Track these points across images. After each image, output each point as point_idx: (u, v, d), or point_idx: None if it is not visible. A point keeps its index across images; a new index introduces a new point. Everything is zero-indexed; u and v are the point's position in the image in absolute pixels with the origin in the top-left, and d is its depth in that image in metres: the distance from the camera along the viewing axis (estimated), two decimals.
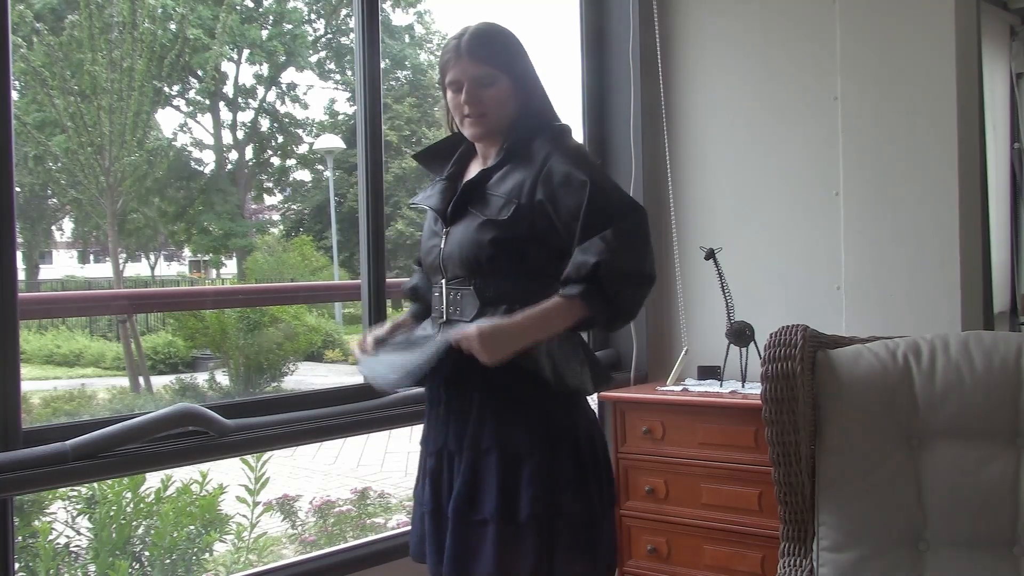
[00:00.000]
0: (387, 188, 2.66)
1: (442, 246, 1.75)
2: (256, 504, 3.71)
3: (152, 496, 3.51)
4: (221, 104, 14.44)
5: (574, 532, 1.65)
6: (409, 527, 1.91)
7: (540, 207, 1.65)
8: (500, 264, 1.68)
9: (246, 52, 14.12)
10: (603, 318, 1.65)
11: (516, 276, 1.69)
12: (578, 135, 3.15)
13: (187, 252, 15.55)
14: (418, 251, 1.88)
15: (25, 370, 2.12)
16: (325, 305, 11.69)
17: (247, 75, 14.59)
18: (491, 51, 1.73)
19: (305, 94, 15.23)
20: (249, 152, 15.05)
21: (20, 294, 1.85)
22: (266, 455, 3.64)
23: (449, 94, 1.76)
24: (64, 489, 3.39)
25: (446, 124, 1.88)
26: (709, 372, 2.80)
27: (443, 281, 1.75)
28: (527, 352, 1.62)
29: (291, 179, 15.81)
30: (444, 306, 1.74)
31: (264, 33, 14.32)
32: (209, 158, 14.34)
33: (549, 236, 1.66)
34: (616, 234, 1.59)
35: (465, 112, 1.73)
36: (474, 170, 1.81)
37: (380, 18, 2.55)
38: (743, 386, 2.70)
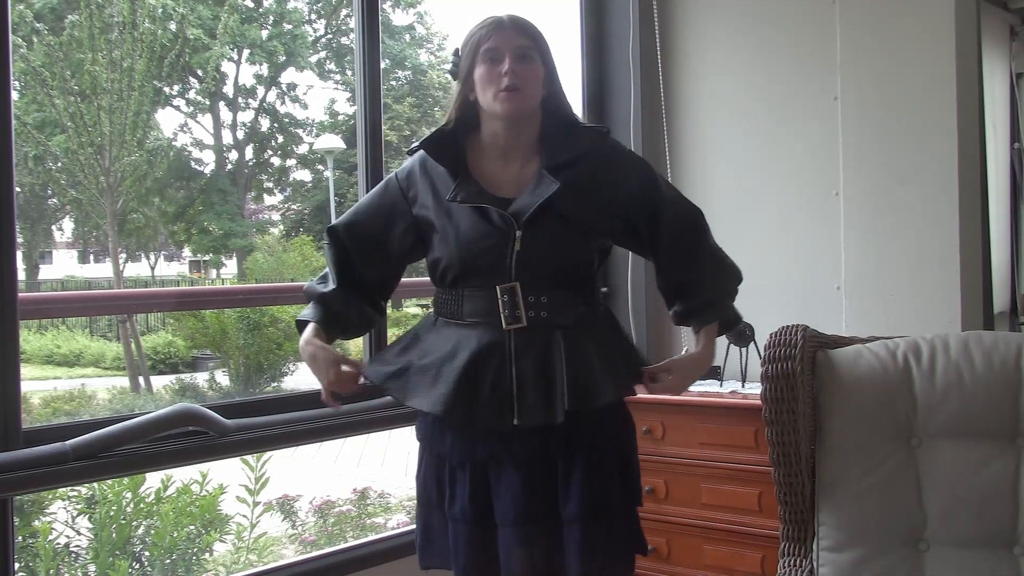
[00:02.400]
0: None
1: (517, 248, 1.64)
2: (256, 504, 3.71)
3: (152, 496, 3.51)
4: (221, 104, 14.44)
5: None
6: (410, 529, 1.92)
7: (625, 221, 1.75)
8: (591, 270, 1.74)
9: (246, 52, 14.12)
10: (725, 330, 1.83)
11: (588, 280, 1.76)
12: None
13: (187, 252, 15.55)
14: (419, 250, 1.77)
15: (25, 370, 2.12)
16: None
17: (247, 75, 14.59)
18: (533, 30, 1.73)
19: (305, 94, 15.22)
20: (249, 152, 15.05)
21: (20, 294, 1.85)
22: (266, 455, 3.64)
23: (482, 67, 1.68)
24: (64, 489, 3.39)
25: (453, 112, 1.76)
26: (709, 372, 2.80)
27: (508, 285, 1.65)
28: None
29: (291, 179, 15.81)
30: (514, 310, 1.64)
31: (264, 33, 14.32)
32: (209, 158, 14.34)
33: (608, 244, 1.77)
34: (714, 250, 1.83)
35: (504, 84, 1.66)
36: (486, 170, 1.73)
37: (380, 18, 2.55)
38: (743, 386, 2.70)
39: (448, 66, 1.79)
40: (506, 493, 1.65)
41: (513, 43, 1.68)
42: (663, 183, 1.80)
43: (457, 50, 1.75)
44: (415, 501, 1.86)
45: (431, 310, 1.81)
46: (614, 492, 1.68)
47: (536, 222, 1.65)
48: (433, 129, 1.79)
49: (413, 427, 1.89)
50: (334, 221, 1.83)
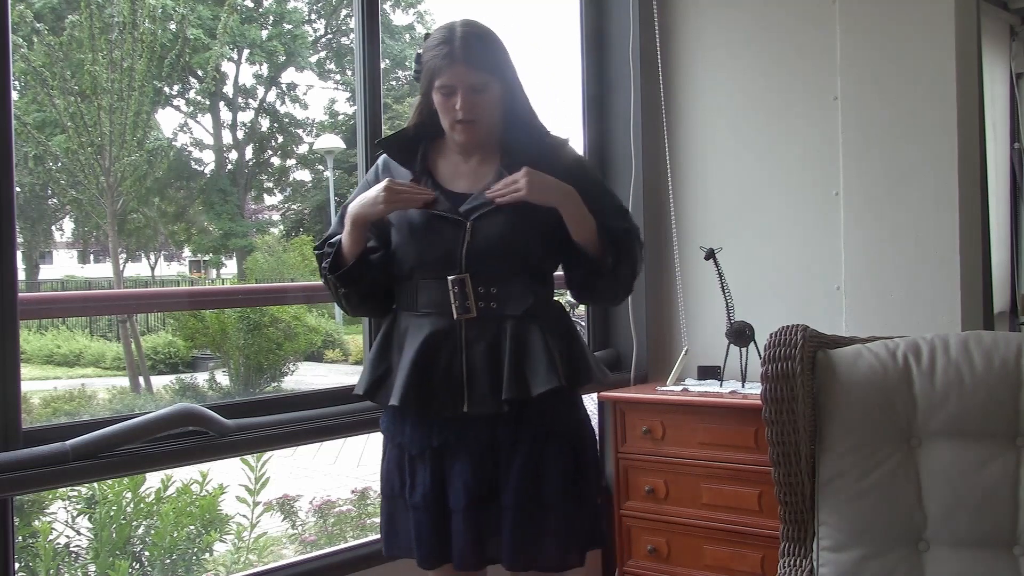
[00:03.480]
0: None
1: (467, 239, 1.72)
2: (256, 504, 3.71)
3: (152, 496, 3.51)
4: (221, 104, 14.44)
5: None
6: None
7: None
8: (542, 263, 1.79)
9: (246, 52, 14.12)
10: (604, 267, 1.76)
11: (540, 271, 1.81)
12: (578, 136, 3.16)
13: (187, 252, 15.56)
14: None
15: (25, 370, 2.12)
16: (325, 305, 11.69)
17: (247, 75, 14.60)
18: (485, 57, 1.74)
19: (305, 94, 15.24)
20: (249, 152, 15.06)
21: (20, 294, 1.85)
22: (266, 455, 3.65)
23: (438, 97, 1.75)
24: (64, 489, 3.39)
25: (414, 117, 1.84)
26: (709, 372, 2.80)
27: (458, 276, 1.72)
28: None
29: (291, 179, 15.82)
30: (464, 301, 1.72)
31: (264, 33, 14.33)
32: (209, 158, 14.35)
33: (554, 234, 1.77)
34: (634, 231, 1.83)
35: (458, 118, 1.73)
36: (445, 166, 1.82)
37: (380, 18, 2.55)
38: (743, 386, 2.71)
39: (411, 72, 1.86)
40: (457, 480, 1.72)
41: (466, 81, 1.71)
42: (612, 199, 1.85)
43: (419, 55, 1.79)
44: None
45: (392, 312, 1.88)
46: (552, 484, 1.72)
47: (487, 216, 1.72)
48: (396, 129, 1.87)
49: None
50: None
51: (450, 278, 1.71)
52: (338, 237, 1.81)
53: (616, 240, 1.77)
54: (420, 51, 1.79)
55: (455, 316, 1.71)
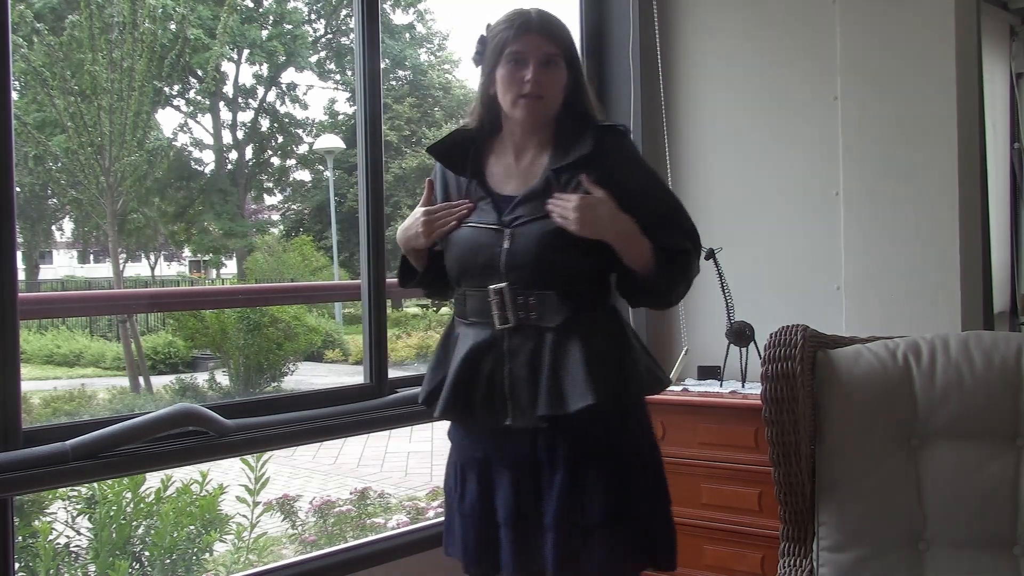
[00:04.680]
0: (387, 188, 2.66)
1: (506, 247, 1.65)
2: (256, 504, 3.71)
3: (152, 496, 3.51)
4: (221, 104, 14.46)
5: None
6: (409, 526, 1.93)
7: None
8: (585, 274, 1.68)
9: (246, 52, 14.14)
10: (657, 288, 1.69)
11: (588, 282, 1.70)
12: None
13: (187, 252, 15.57)
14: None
15: (25, 370, 2.12)
16: (325, 305, 11.70)
17: (247, 75, 14.62)
18: (561, 32, 1.68)
19: (305, 94, 15.27)
20: (249, 152, 15.07)
21: (20, 294, 1.85)
22: (266, 455, 3.65)
23: (505, 68, 1.66)
24: (64, 489, 3.39)
25: (478, 107, 1.75)
26: (709, 372, 2.80)
27: (498, 286, 1.65)
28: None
29: (291, 179, 15.83)
30: (503, 310, 1.64)
31: (264, 33, 14.34)
32: (209, 158, 14.37)
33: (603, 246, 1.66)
34: (693, 240, 1.73)
35: (525, 90, 1.64)
36: (497, 166, 1.74)
37: (380, 18, 2.55)
38: (743, 386, 2.71)
39: (467, 55, 1.79)
40: (500, 492, 1.68)
41: (539, 50, 1.64)
42: (669, 206, 1.73)
43: (483, 37, 1.71)
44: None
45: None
46: (595, 505, 1.62)
47: (527, 224, 1.65)
48: (453, 129, 1.82)
49: (412, 428, 1.92)
50: None
51: (491, 287, 1.65)
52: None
53: (673, 260, 1.68)
54: (484, 34, 1.71)
55: (496, 326, 1.65)
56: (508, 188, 1.71)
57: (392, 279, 2.10)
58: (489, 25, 1.72)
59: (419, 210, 1.74)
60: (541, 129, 1.71)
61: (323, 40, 15.51)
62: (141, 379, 8.81)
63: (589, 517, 1.62)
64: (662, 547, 1.70)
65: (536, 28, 1.64)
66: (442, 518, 1.86)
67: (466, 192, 1.74)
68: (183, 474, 3.61)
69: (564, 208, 1.60)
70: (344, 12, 15.05)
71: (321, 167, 15.12)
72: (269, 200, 15.88)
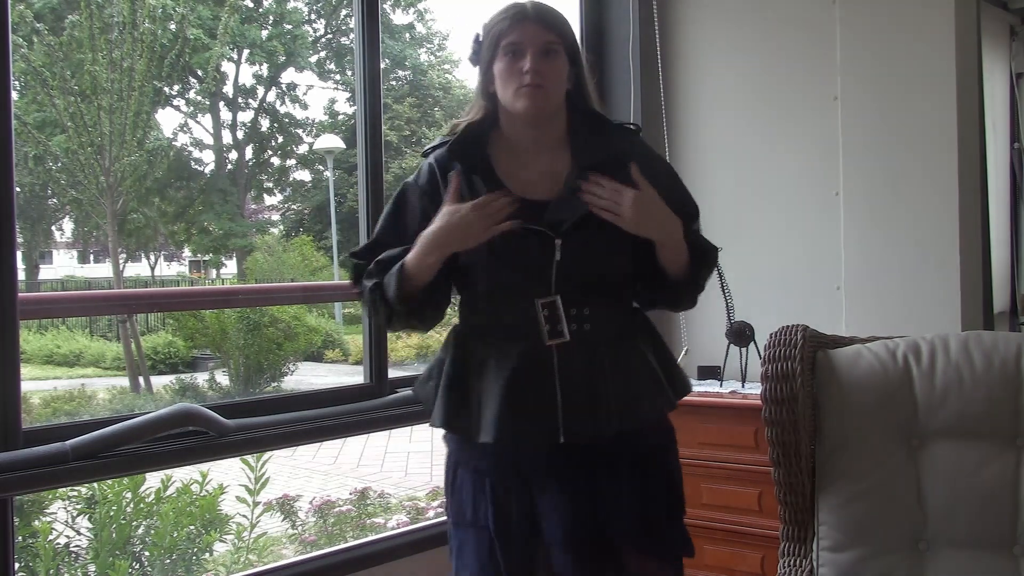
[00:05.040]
0: (387, 188, 2.66)
1: (557, 258, 1.53)
2: (256, 504, 3.71)
3: (152, 496, 3.51)
4: (221, 104, 14.45)
5: None
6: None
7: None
8: (630, 278, 1.63)
9: (246, 52, 14.13)
10: (685, 290, 1.64)
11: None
12: None
13: (187, 252, 15.57)
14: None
15: (25, 370, 2.13)
16: (325, 305, 11.70)
17: (247, 75, 14.61)
18: (558, 21, 1.60)
19: (305, 94, 15.25)
20: (249, 152, 15.06)
21: (20, 294, 1.85)
22: (266, 455, 3.65)
23: (502, 61, 1.57)
24: (64, 489, 3.39)
25: (477, 98, 1.65)
26: (709, 372, 2.80)
27: (548, 299, 1.53)
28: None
29: (291, 179, 15.82)
30: (556, 324, 1.53)
31: (264, 33, 14.33)
32: (209, 158, 14.36)
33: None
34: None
35: (525, 81, 1.54)
36: (509, 165, 1.61)
37: (380, 18, 2.55)
38: (743, 386, 2.70)
39: (465, 54, 1.68)
40: (554, 512, 1.56)
41: (537, 39, 1.56)
42: (693, 204, 1.71)
43: (478, 36, 1.63)
44: (447, 519, 1.71)
45: (455, 323, 1.67)
46: (660, 508, 1.61)
47: (578, 230, 1.54)
48: (452, 127, 1.66)
49: (412, 428, 1.89)
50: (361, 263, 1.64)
51: (539, 301, 1.53)
52: (390, 256, 1.59)
53: (701, 256, 1.63)
54: (479, 32, 1.62)
55: (546, 341, 1.53)
56: (535, 192, 1.59)
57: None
58: (484, 24, 1.65)
59: (463, 206, 1.53)
60: (549, 125, 1.62)
61: (323, 40, 15.51)
62: (141, 379, 8.81)
63: (661, 521, 1.61)
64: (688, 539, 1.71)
65: (533, 17, 1.57)
66: (443, 518, 1.84)
67: (480, 194, 1.58)
68: (183, 474, 3.61)
69: (614, 201, 1.52)
70: (344, 12, 15.05)
71: (321, 167, 15.12)
72: (269, 200, 15.88)
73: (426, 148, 1.68)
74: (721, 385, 2.74)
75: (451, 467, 1.66)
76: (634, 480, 1.57)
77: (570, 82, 1.62)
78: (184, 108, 13.51)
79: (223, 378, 8.38)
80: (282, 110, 15.10)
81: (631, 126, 1.70)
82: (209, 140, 14.26)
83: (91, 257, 15.64)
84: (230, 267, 15.10)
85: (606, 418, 1.53)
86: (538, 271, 1.54)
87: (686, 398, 2.68)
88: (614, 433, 1.53)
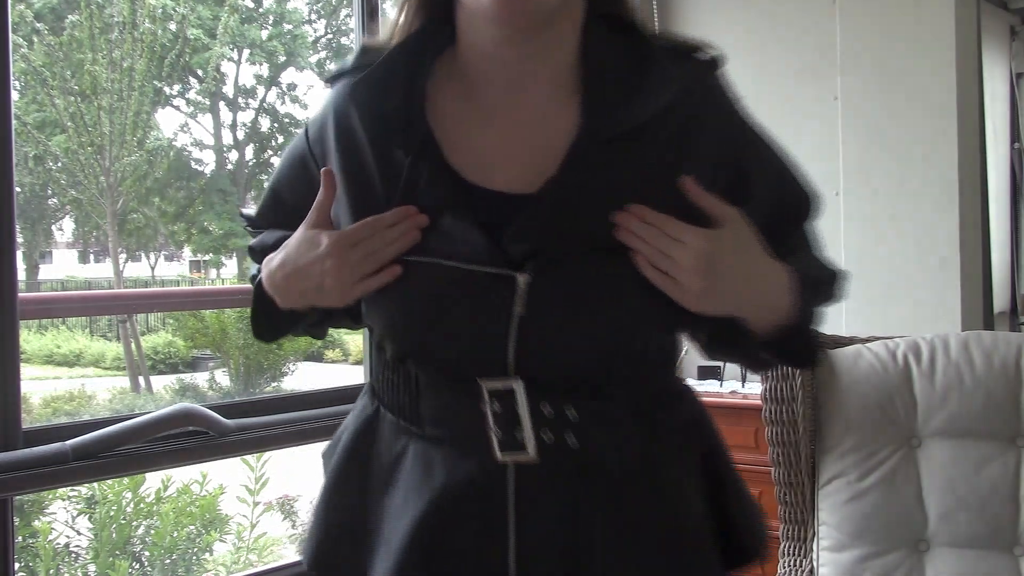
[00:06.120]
0: None
1: (519, 312, 0.83)
2: (256, 504, 3.71)
3: (152, 496, 3.51)
4: (221, 104, 14.45)
5: None
6: None
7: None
8: (669, 348, 0.96)
9: (246, 52, 14.13)
10: (795, 336, 0.90)
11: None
12: None
13: (187, 252, 15.56)
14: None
15: (25, 370, 2.12)
16: None
17: (247, 75, 14.61)
18: None
19: (305, 94, 15.25)
20: (249, 152, 15.06)
21: (20, 294, 1.85)
22: (266, 455, 3.65)
23: None
24: (64, 489, 3.39)
25: (398, 17, 0.93)
26: (709, 372, 2.80)
27: (502, 383, 0.85)
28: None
29: None
30: (513, 429, 0.85)
31: (264, 33, 14.33)
32: (209, 158, 14.36)
33: None
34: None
35: None
36: (456, 116, 0.89)
37: (380, 18, 2.55)
38: (743, 386, 2.70)
39: None
40: None
41: None
42: (799, 188, 1.05)
43: None
44: None
45: (365, 391, 1.02)
46: None
47: (564, 259, 0.83)
48: (364, 48, 0.95)
49: None
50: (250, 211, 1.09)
51: (487, 385, 0.85)
52: (269, 242, 1.00)
53: (812, 295, 0.92)
54: None
55: (497, 456, 0.85)
56: (496, 178, 0.87)
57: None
58: None
59: (321, 236, 0.87)
60: (549, 47, 0.88)
61: (323, 40, 15.51)
62: (141, 379, 8.81)
63: None
64: None
65: None
66: None
67: (406, 181, 0.87)
68: (183, 474, 3.62)
69: (664, 253, 0.82)
70: (344, 12, 15.05)
71: None
72: None
73: (330, 72, 0.98)
74: (721, 385, 2.74)
75: None
76: None
77: None
78: (184, 108, 13.52)
79: (223, 378, 8.38)
80: (282, 110, 15.10)
81: (702, 55, 0.93)
82: (209, 140, 14.27)
83: (91, 257, 15.65)
84: (230, 267, 15.10)
85: None
86: (487, 336, 0.85)
87: None
88: None
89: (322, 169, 0.90)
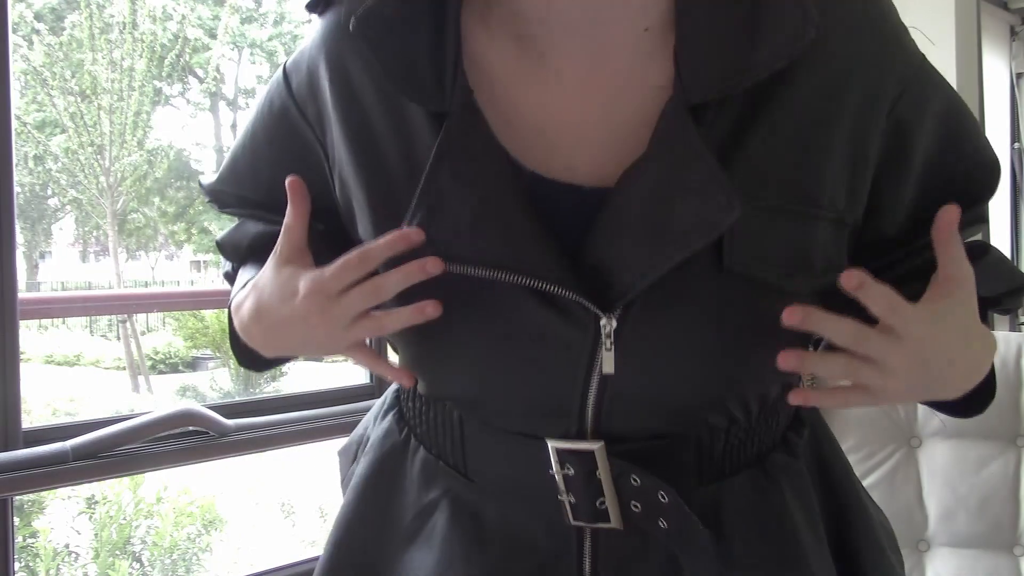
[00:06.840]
0: None
1: (600, 367, 0.62)
2: (256, 504, 3.71)
3: (152, 496, 3.52)
4: (221, 104, 14.46)
5: None
6: None
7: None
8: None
9: (246, 52, 14.14)
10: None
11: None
12: None
13: (187, 252, 15.57)
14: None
15: (25, 370, 2.13)
16: None
17: (247, 75, 14.62)
18: None
19: None
20: None
21: (20, 294, 1.85)
22: (266, 455, 3.65)
23: None
24: (64, 489, 3.40)
25: None
26: None
27: (576, 445, 0.66)
28: None
29: None
30: (591, 493, 0.66)
31: (264, 33, 14.34)
32: (209, 158, 14.36)
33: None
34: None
35: None
36: (507, 72, 0.66)
37: None
38: None
39: None
40: None
41: None
42: (952, 103, 0.81)
43: None
44: None
45: (391, 415, 0.85)
46: None
47: (658, 295, 0.61)
48: None
49: None
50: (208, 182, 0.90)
51: (555, 446, 0.66)
52: (244, 240, 0.85)
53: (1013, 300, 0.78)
54: None
55: (569, 520, 0.68)
56: (559, 159, 0.64)
57: None
58: None
59: (298, 282, 0.65)
60: None
61: None
62: (141, 379, 8.81)
63: None
64: None
65: None
66: None
67: (435, 160, 0.62)
68: (183, 474, 3.62)
69: (859, 343, 0.58)
70: None
71: None
72: None
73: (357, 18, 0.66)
74: None
75: None
76: None
77: None
78: (184, 108, 13.52)
79: (223, 378, 8.39)
80: None
81: None
82: (209, 140, 14.28)
83: (91, 257, 15.66)
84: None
85: None
86: (557, 389, 0.65)
87: None
88: None
89: (287, 180, 0.67)
